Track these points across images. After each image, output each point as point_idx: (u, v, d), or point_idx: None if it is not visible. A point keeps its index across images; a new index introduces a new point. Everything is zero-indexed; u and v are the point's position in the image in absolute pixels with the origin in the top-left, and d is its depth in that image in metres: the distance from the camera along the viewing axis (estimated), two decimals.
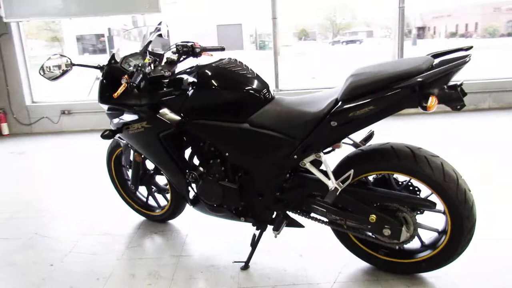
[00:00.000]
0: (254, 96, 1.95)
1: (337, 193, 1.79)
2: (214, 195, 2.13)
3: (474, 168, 3.41)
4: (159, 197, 2.72)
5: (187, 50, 2.26)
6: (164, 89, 2.12)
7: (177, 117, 2.06)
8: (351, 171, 1.77)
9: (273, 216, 2.12)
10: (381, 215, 1.81)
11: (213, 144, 2.08)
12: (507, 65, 11.77)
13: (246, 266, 2.15)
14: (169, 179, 2.36)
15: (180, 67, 2.28)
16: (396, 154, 1.77)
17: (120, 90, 1.97)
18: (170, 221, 2.74)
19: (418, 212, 1.88)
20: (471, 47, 1.63)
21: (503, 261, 2.10)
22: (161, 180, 2.60)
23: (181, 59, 2.29)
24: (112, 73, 2.21)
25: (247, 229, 2.24)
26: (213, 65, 2.03)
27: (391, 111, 1.66)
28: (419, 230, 1.90)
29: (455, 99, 1.57)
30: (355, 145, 1.98)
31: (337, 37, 45.99)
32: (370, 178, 1.95)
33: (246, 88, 1.95)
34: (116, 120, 2.28)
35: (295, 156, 1.86)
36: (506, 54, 16.85)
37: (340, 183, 1.79)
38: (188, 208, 2.43)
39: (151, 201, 2.75)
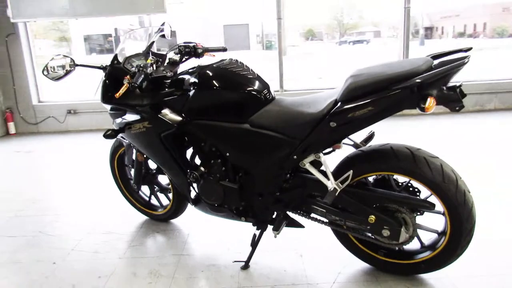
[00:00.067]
0: (254, 97, 1.96)
1: (336, 194, 1.79)
2: (215, 194, 2.15)
3: (476, 169, 3.40)
4: (161, 196, 2.74)
5: (189, 51, 2.28)
6: (166, 89, 2.14)
7: (178, 117, 2.08)
8: (350, 172, 1.77)
9: (274, 216, 2.13)
10: (380, 215, 1.81)
11: (214, 144, 2.09)
12: None
13: (246, 266, 2.16)
14: (171, 179, 2.38)
15: (183, 68, 2.30)
16: (396, 155, 1.77)
17: (122, 90, 2.00)
18: (172, 220, 2.76)
19: (418, 213, 1.88)
20: (470, 48, 1.63)
21: (503, 262, 2.09)
22: (164, 179, 2.62)
23: (183, 59, 2.31)
24: (114, 74, 2.23)
25: (248, 229, 2.25)
26: (214, 65, 2.04)
27: (390, 112, 1.66)
28: (419, 231, 1.91)
29: (454, 100, 1.57)
30: (355, 145, 1.98)
31: (344, 37, 45.87)
32: (370, 179, 1.95)
33: (247, 88, 1.96)
34: (118, 120, 2.30)
35: (295, 157, 1.87)
36: None
37: (339, 184, 1.79)
38: (190, 207, 2.45)
39: (154, 201, 2.77)
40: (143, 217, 2.82)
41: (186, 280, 2.09)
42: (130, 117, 2.22)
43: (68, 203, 3.23)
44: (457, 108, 1.58)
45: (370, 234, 1.92)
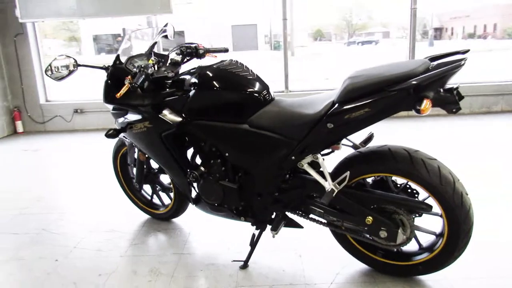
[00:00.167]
0: (253, 97, 1.98)
1: (334, 195, 1.80)
2: (214, 194, 2.16)
3: (482, 171, 3.39)
4: (163, 195, 2.77)
5: (191, 52, 2.30)
6: (167, 89, 2.16)
7: (179, 118, 2.10)
8: (347, 173, 1.78)
9: (272, 216, 2.14)
10: (378, 217, 1.82)
11: (213, 144, 2.11)
12: None
13: (245, 265, 2.18)
14: (172, 178, 2.40)
15: (186, 69, 2.32)
16: (393, 156, 1.78)
17: (123, 90, 2.02)
18: (174, 220, 2.78)
19: (417, 215, 1.88)
20: (468, 51, 1.63)
21: (502, 264, 2.08)
22: (165, 179, 2.65)
23: (185, 60, 2.33)
24: (116, 74, 2.25)
25: (249, 228, 2.27)
26: (214, 66, 2.06)
27: (386, 114, 1.67)
28: (418, 233, 1.91)
29: (450, 102, 1.57)
30: (354, 147, 1.99)
31: (353, 38, 45.70)
32: (369, 180, 1.95)
33: (246, 89, 1.98)
34: (120, 120, 2.33)
35: (293, 157, 1.88)
36: None
37: (337, 185, 1.80)
38: (192, 207, 2.47)
39: (156, 200, 2.80)
40: (146, 216, 2.85)
41: (185, 278, 2.11)
42: (132, 117, 2.24)
43: (73, 202, 3.27)
44: (453, 110, 1.58)
45: (367, 235, 1.92)
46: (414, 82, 1.55)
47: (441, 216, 1.79)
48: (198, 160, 2.25)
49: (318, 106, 1.80)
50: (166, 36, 2.46)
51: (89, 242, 2.55)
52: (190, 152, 2.31)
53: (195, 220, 2.74)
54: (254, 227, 2.19)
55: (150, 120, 2.16)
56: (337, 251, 2.13)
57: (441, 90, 1.59)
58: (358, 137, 1.91)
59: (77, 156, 4.68)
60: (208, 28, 32.59)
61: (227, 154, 2.08)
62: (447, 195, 1.71)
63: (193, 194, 2.33)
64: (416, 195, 1.86)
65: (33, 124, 6.08)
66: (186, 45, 2.31)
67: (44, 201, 3.30)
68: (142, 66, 2.06)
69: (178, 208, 2.64)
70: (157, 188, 2.73)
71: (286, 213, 2.11)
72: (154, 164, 2.62)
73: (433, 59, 1.69)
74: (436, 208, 1.78)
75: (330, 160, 1.96)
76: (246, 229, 2.41)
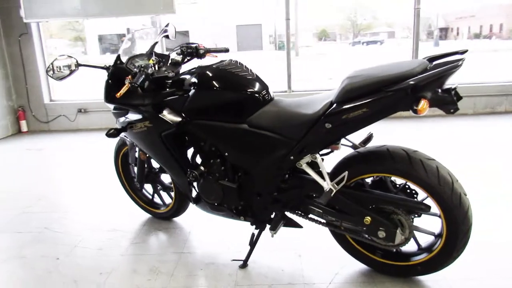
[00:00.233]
0: (253, 97, 1.98)
1: (332, 194, 1.80)
2: (214, 194, 2.17)
3: (484, 171, 3.38)
4: (164, 195, 2.78)
5: (192, 52, 2.31)
6: (167, 89, 2.17)
7: (179, 117, 2.11)
8: (345, 173, 1.78)
9: (272, 216, 2.15)
10: (376, 217, 1.82)
11: (213, 144, 2.12)
12: None
13: (244, 265, 2.18)
14: (172, 178, 2.41)
15: (186, 68, 2.33)
16: (392, 156, 1.78)
17: (123, 90, 2.03)
18: (175, 219, 2.79)
19: (416, 215, 1.88)
20: (466, 51, 1.63)
21: (502, 265, 2.08)
22: (166, 178, 2.66)
23: (186, 60, 2.34)
24: (117, 74, 2.27)
25: (249, 228, 2.27)
26: (213, 66, 2.07)
27: (384, 114, 1.67)
28: (417, 234, 1.91)
29: (448, 103, 1.57)
30: (353, 147, 1.99)
31: (358, 38, 45.57)
32: (368, 180, 1.95)
33: (245, 89, 1.99)
34: (121, 119, 2.34)
35: (292, 157, 1.88)
36: None
37: (335, 185, 1.80)
38: (193, 206, 2.48)
39: (157, 199, 2.81)
40: (147, 215, 2.86)
41: (185, 277, 2.13)
42: (132, 116, 2.26)
43: (75, 201, 3.30)
44: (451, 111, 1.58)
45: (366, 235, 1.92)
46: (411, 82, 1.55)
47: (439, 216, 1.79)
48: (198, 160, 2.26)
49: (316, 106, 1.80)
50: (167, 36, 2.47)
51: (91, 241, 2.57)
52: (190, 151, 2.32)
53: (195, 220, 2.75)
54: (254, 226, 2.20)
55: (150, 120, 2.18)
56: (336, 251, 2.14)
57: (439, 90, 1.59)
58: (357, 137, 1.92)
59: (81, 156, 4.70)
60: (212, 28, 32.62)
61: (226, 154, 2.08)
62: (445, 196, 1.71)
63: (194, 193, 2.34)
64: (415, 196, 1.86)
65: (37, 124, 6.12)
66: (186, 45, 2.32)
67: (47, 200, 3.33)
68: (142, 66, 2.07)
69: (178, 208, 2.65)
70: (158, 188, 2.75)
71: (285, 213, 2.11)
72: (155, 164, 2.63)
73: (431, 59, 1.69)
74: (435, 208, 1.77)
75: (329, 160, 1.96)
76: (246, 228, 2.41)
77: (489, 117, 5.49)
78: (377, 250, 2.01)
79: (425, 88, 1.55)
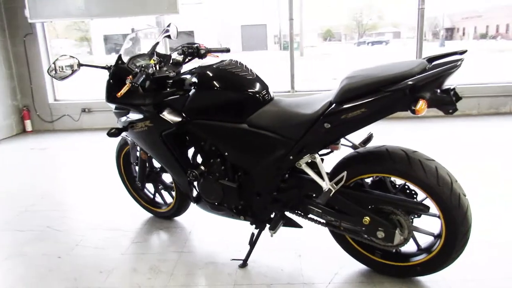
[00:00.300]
0: (252, 97, 1.99)
1: (330, 194, 1.80)
2: (214, 193, 2.18)
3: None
4: (165, 194, 2.79)
5: (193, 52, 2.33)
6: (168, 89, 2.18)
7: (179, 117, 2.12)
8: (344, 173, 1.78)
9: (272, 216, 2.15)
10: (375, 217, 1.82)
11: (213, 143, 2.13)
12: None
13: (244, 264, 2.19)
14: (173, 177, 2.42)
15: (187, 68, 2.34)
16: (391, 157, 1.78)
17: (124, 90, 2.04)
18: (176, 218, 2.80)
19: (416, 216, 1.88)
20: (465, 51, 1.63)
21: (501, 266, 2.07)
22: (167, 177, 2.66)
23: (187, 60, 2.35)
24: (118, 74, 2.28)
25: (250, 227, 2.27)
26: (213, 66, 2.08)
27: (383, 114, 1.67)
28: (417, 234, 1.91)
29: (447, 103, 1.56)
30: (353, 147, 1.99)
31: (363, 38, 45.44)
32: (368, 180, 1.95)
33: (245, 89, 1.99)
34: (123, 119, 2.36)
35: (291, 157, 1.89)
36: None
37: (334, 185, 1.80)
38: (194, 205, 2.48)
39: (158, 198, 2.82)
40: (148, 215, 2.87)
41: (184, 276, 2.13)
42: (133, 116, 2.27)
43: (78, 200, 3.32)
44: (450, 111, 1.57)
45: (365, 236, 1.92)
46: (410, 83, 1.54)
47: (438, 217, 1.78)
48: (199, 159, 2.27)
49: (315, 106, 1.80)
50: (169, 36, 2.48)
51: (92, 240, 2.58)
52: (191, 151, 2.33)
53: (196, 219, 2.76)
54: (254, 226, 2.21)
55: (151, 119, 2.19)
56: (336, 251, 2.14)
57: (438, 90, 1.58)
58: (358, 137, 1.92)
59: (84, 155, 4.73)
60: (217, 28, 32.65)
61: (226, 154, 2.09)
62: (444, 196, 1.70)
63: (194, 193, 2.34)
64: (415, 196, 1.86)
65: (41, 123, 6.16)
66: (187, 45, 2.33)
67: (50, 198, 3.35)
68: (143, 65, 2.08)
69: (179, 207, 2.66)
70: (159, 187, 2.76)
71: (285, 212, 2.12)
72: (156, 163, 2.64)
73: (431, 59, 1.69)
74: (434, 209, 1.77)
75: (330, 160, 1.97)
76: (247, 228, 2.42)
77: (493, 117, 5.47)
78: (376, 250, 2.00)
79: (423, 88, 1.55)
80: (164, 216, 2.80)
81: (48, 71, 2.25)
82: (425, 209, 1.75)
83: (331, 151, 1.97)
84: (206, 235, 2.57)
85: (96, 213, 3.00)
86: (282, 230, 2.13)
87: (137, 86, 2.01)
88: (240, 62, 2.12)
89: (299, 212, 2.07)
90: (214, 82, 2.02)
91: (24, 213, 3.04)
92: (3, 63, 5.82)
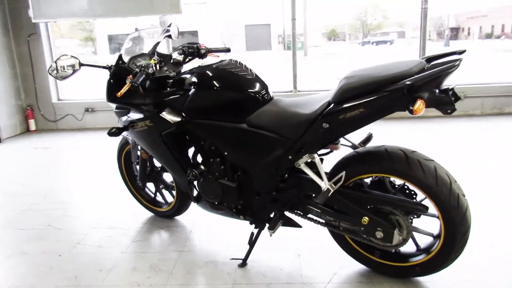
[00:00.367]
0: (252, 97, 1.99)
1: (329, 194, 1.80)
2: (214, 193, 2.19)
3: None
4: (166, 193, 2.80)
5: (193, 51, 2.33)
6: (168, 89, 2.19)
7: (179, 117, 2.13)
8: (343, 173, 1.78)
9: (271, 216, 2.15)
10: (373, 217, 1.82)
11: (213, 143, 2.13)
12: None
13: (243, 264, 2.19)
14: (173, 176, 2.43)
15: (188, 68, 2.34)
16: (389, 157, 1.77)
17: (124, 89, 2.05)
18: (177, 217, 2.81)
19: (415, 216, 1.88)
20: (464, 51, 1.62)
21: (500, 267, 2.06)
22: (168, 177, 2.67)
23: (187, 60, 2.36)
24: (119, 73, 2.29)
25: (250, 227, 2.28)
26: (213, 66, 2.08)
27: (381, 114, 1.66)
28: (417, 234, 1.90)
29: (445, 103, 1.56)
30: (353, 147, 1.98)
31: (367, 38, 45.34)
32: (367, 180, 1.95)
33: (244, 89, 1.99)
34: (123, 118, 2.37)
35: (290, 157, 1.89)
36: None
37: (333, 184, 1.80)
38: (195, 205, 2.49)
39: (159, 197, 2.83)
40: (149, 214, 2.88)
41: (183, 275, 2.14)
42: (134, 115, 2.28)
43: (80, 198, 3.33)
44: (449, 111, 1.57)
45: (364, 236, 1.92)
46: (408, 83, 1.54)
47: (437, 217, 1.78)
48: (199, 159, 2.28)
49: (314, 106, 1.80)
50: (170, 36, 2.49)
51: (93, 238, 2.60)
52: (191, 151, 2.34)
53: (197, 218, 2.76)
54: (253, 225, 2.21)
55: (151, 119, 2.19)
56: (335, 251, 2.13)
57: (437, 90, 1.58)
58: (358, 137, 1.92)
59: (87, 154, 4.75)
60: (221, 28, 32.68)
61: (226, 153, 2.09)
62: (442, 196, 1.70)
63: (194, 192, 2.35)
64: (414, 196, 1.85)
65: (45, 123, 6.20)
66: (188, 44, 2.33)
67: (52, 197, 3.37)
68: (143, 65, 2.09)
69: (180, 206, 2.67)
70: (160, 186, 2.76)
71: (284, 212, 2.12)
72: (157, 162, 2.65)
73: (429, 59, 1.69)
74: (433, 209, 1.77)
75: (329, 160, 1.96)
76: (247, 227, 2.42)
77: (497, 118, 5.44)
78: (375, 250, 2.00)
79: (421, 88, 1.55)
80: (165, 215, 2.81)
81: (49, 71, 2.26)
82: (423, 210, 1.75)
83: (331, 151, 1.97)
84: (207, 235, 2.57)
85: (97, 212, 3.02)
86: (282, 229, 2.13)
87: (137, 86, 2.02)
88: (239, 62, 2.12)
89: (299, 212, 2.07)
90: (214, 82, 2.02)
91: (26, 212, 3.06)
92: (7, 63, 5.86)
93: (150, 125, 2.21)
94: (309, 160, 1.88)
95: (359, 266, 2.09)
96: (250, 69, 2.10)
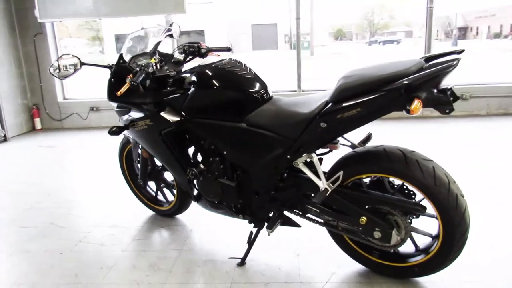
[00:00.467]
0: (251, 96, 1.99)
1: (327, 194, 1.80)
2: (213, 192, 2.19)
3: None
4: (167, 192, 2.81)
5: (193, 51, 2.34)
6: (168, 88, 2.20)
7: (178, 116, 2.13)
8: (341, 173, 1.78)
9: (270, 215, 2.16)
10: (371, 217, 1.81)
11: (212, 142, 2.14)
12: None
13: (242, 263, 2.20)
14: (173, 175, 2.44)
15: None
16: (388, 156, 1.77)
17: (124, 88, 2.06)
18: (178, 216, 2.82)
19: (413, 216, 1.87)
20: (463, 51, 1.61)
21: (499, 268, 2.05)
22: (169, 176, 2.69)
23: (187, 59, 2.36)
24: (120, 72, 2.30)
25: (250, 226, 2.28)
26: (212, 65, 2.09)
27: (378, 114, 1.66)
28: (415, 235, 1.90)
29: (443, 103, 1.55)
30: (352, 146, 1.98)
31: (374, 37, 45.14)
32: (366, 180, 1.95)
33: (244, 88, 2.00)
34: (124, 117, 2.38)
35: (288, 156, 1.89)
36: None
37: (330, 184, 1.80)
38: (195, 204, 2.50)
39: (160, 196, 2.84)
40: (150, 212, 2.90)
41: (183, 274, 2.15)
42: (134, 114, 2.29)
43: (82, 197, 3.35)
44: (447, 111, 1.56)
45: (362, 236, 1.91)
46: (405, 82, 1.54)
47: (436, 217, 1.77)
48: (199, 158, 2.29)
49: (312, 105, 1.80)
50: (171, 36, 2.49)
51: (94, 237, 2.62)
52: (191, 150, 2.34)
53: (198, 217, 2.77)
54: (252, 225, 2.21)
55: (151, 118, 2.20)
56: (334, 251, 2.13)
57: (435, 90, 1.57)
58: (357, 136, 1.91)
59: (91, 153, 4.79)
60: (228, 27, 32.70)
61: (225, 152, 2.10)
62: (441, 196, 1.69)
63: (195, 191, 2.36)
64: (413, 197, 1.85)
65: (51, 121, 6.25)
66: (188, 44, 2.34)
67: (55, 196, 3.39)
68: (143, 64, 2.10)
69: (181, 205, 2.68)
70: (161, 185, 2.78)
71: (283, 211, 2.12)
72: (158, 161, 2.66)
73: (428, 59, 1.68)
74: (431, 209, 1.76)
75: (329, 160, 1.96)
76: (247, 227, 2.42)
77: (502, 118, 5.40)
78: (374, 250, 2.00)
79: (419, 88, 1.54)
80: (165, 214, 2.82)
81: (50, 70, 2.28)
82: (422, 210, 1.74)
83: (330, 151, 1.97)
84: (207, 233, 2.58)
85: (100, 210, 3.04)
86: (281, 229, 2.13)
87: (137, 85, 2.03)
88: (239, 61, 2.13)
89: (297, 211, 2.07)
90: (213, 81, 2.03)
91: (29, 210, 3.09)
92: (14, 63, 5.92)
93: (150, 124, 2.22)
94: (307, 160, 1.88)
95: (357, 266, 2.09)
96: (250, 69, 2.11)
